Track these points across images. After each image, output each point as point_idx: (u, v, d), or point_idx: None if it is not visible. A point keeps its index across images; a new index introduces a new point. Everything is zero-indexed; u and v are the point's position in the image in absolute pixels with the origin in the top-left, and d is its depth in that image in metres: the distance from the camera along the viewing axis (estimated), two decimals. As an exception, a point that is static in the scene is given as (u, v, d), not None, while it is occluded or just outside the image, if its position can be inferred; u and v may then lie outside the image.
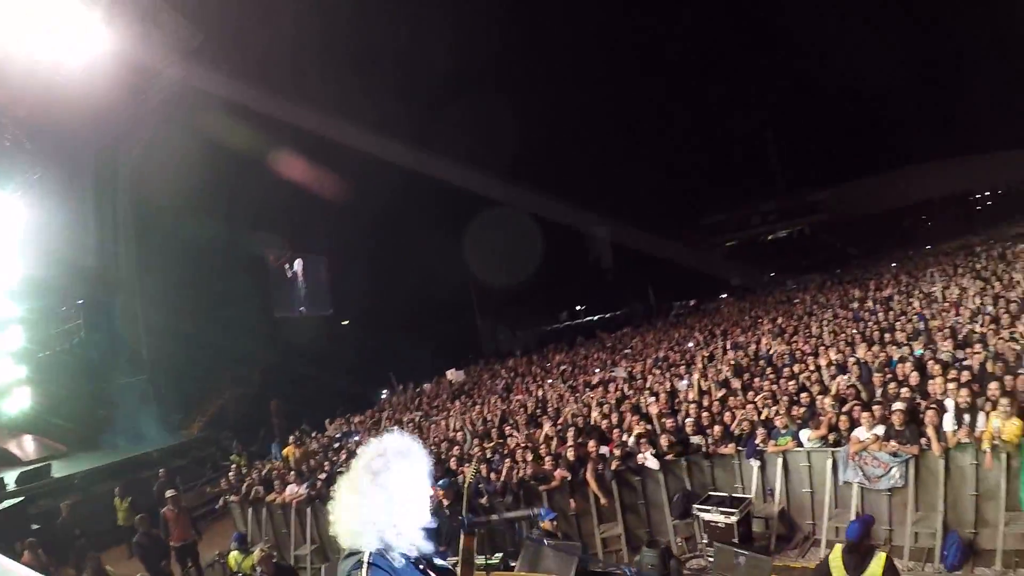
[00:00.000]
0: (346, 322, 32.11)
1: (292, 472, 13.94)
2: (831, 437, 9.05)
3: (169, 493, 12.58)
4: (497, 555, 6.69)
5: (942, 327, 12.03)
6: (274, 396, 21.60)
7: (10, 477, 15.74)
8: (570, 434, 11.80)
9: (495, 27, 29.53)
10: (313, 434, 18.58)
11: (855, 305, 17.49)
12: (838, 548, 5.88)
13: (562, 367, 20.84)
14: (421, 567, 2.26)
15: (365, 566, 2.07)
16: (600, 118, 37.39)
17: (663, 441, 10.67)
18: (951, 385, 8.30)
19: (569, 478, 10.68)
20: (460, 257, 36.00)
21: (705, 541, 9.23)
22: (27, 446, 18.71)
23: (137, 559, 11.83)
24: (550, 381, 19.18)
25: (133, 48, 16.84)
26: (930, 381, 9.00)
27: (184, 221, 21.41)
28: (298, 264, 30.80)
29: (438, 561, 2.37)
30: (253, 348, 23.62)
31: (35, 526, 13.99)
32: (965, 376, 8.48)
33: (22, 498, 14.99)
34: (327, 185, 26.40)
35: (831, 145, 37.56)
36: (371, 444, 2.31)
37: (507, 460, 11.56)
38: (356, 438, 16.59)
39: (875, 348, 12.04)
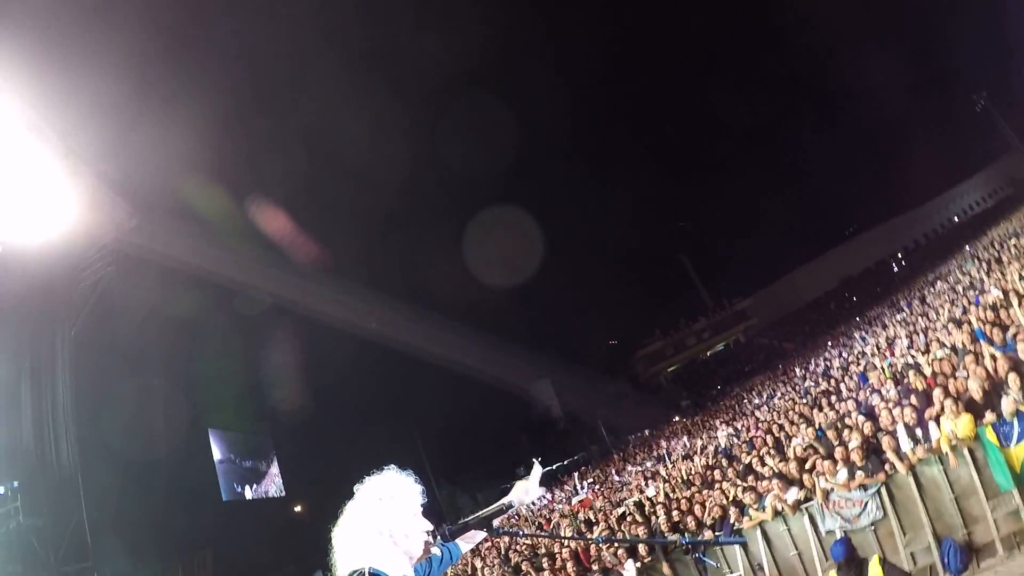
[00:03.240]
0: (299, 508, 30.56)
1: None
2: (801, 495, 8.89)
3: None
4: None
5: (880, 374, 12.28)
6: (230, 577, 20.05)
7: None
8: (545, 562, 11.40)
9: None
10: None
11: (799, 382, 17.86)
12: (832, 573, 5.70)
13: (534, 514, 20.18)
14: None
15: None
16: (525, 270, 38.51)
17: (641, 549, 10.39)
18: (896, 411, 8.42)
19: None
20: (410, 430, 35.69)
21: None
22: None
23: None
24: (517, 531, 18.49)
25: (72, 229, 17.05)
26: (879, 416, 9.10)
27: (125, 400, 20.75)
28: (243, 444, 29.70)
29: None
30: (204, 532, 22.13)
31: None
32: (907, 401, 8.64)
33: None
34: (272, 357, 26.51)
35: (744, 254, 39.71)
36: (376, 477, 2.53)
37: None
38: None
39: (825, 411, 12.16)
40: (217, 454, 28.06)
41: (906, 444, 7.93)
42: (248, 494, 29.08)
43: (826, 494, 8.25)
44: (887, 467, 7.76)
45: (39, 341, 19.76)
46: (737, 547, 9.38)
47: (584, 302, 41.06)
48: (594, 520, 14.28)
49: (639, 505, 13.14)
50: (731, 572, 9.42)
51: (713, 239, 41.32)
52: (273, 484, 30.73)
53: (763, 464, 11.09)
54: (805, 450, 10.38)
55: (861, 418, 9.79)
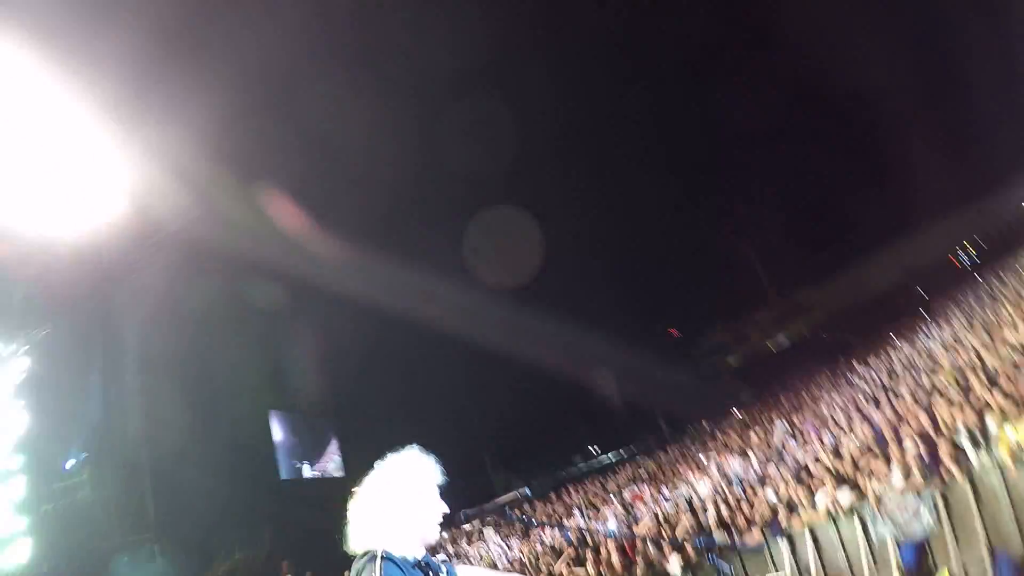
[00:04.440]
0: (356, 488, 31.10)
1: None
2: (854, 497, 8.61)
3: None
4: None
5: (943, 374, 11.78)
6: (285, 558, 20.52)
7: None
8: (589, 554, 11.39)
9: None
10: None
11: (860, 378, 17.38)
12: None
13: (584, 501, 20.16)
14: (431, 573, 2.46)
15: (378, 560, 2.26)
16: (585, 256, 38.27)
17: (687, 545, 10.32)
18: (957, 414, 8.05)
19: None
20: (472, 417, 36.05)
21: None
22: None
23: None
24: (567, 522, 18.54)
25: (141, 214, 17.86)
26: (940, 419, 8.72)
27: (192, 382, 21.68)
28: (300, 423, 30.61)
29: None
30: (262, 510, 22.85)
31: None
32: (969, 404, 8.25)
33: None
34: (334, 345, 27.20)
35: (809, 243, 38.53)
36: (397, 455, 2.62)
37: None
38: None
39: (884, 410, 11.75)
40: (278, 434, 28.86)
41: (969, 451, 7.58)
42: (307, 472, 29.86)
43: (879, 498, 7.95)
44: (944, 473, 7.42)
45: (110, 325, 20.72)
46: (784, 547, 9.17)
47: (647, 291, 40.47)
48: (643, 513, 14.17)
49: (688, 500, 12.98)
50: (777, 571, 9.21)
51: (777, 227, 39.93)
52: (332, 463, 31.40)
53: (817, 462, 10.80)
54: (861, 450, 10.06)
55: (921, 420, 9.41)
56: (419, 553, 2.43)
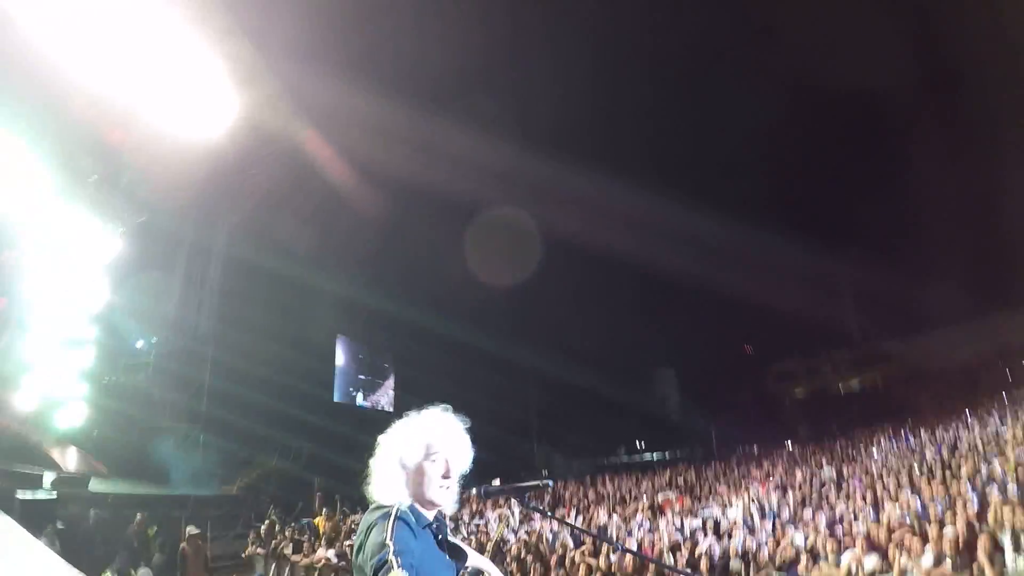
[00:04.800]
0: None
1: (323, 538, 13.82)
2: (879, 565, 8.47)
3: (191, 530, 12.66)
4: None
5: (1005, 465, 11.31)
6: (319, 475, 21.27)
7: (48, 479, 15.53)
8: (604, 548, 11.47)
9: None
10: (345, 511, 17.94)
11: (922, 445, 16.80)
12: None
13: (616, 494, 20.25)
14: (439, 538, 2.43)
15: (392, 519, 2.22)
16: (676, 261, 37.42)
17: (702, 565, 10.36)
18: (1007, 512, 7.79)
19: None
20: (528, 386, 36.37)
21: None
22: (70, 458, 18.51)
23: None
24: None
25: (257, 129, 18.68)
26: (988, 511, 8.46)
27: (268, 292, 22.60)
28: (363, 355, 31.93)
29: (451, 538, 2.55)
30: (308, 427, 23.64)
31: (60, 525, 13.80)
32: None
33: (55, 495, 14.87)
34: (411, 286, 27.65)
35: (907, 294, 36.67)
36: (429, 410, 2.61)
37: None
38: None
39: (934, 483, 11.40)
40: (340, 360, 29.94)
41: (1008, 553, 7.34)
42: (359, 400, 30.96)
43: (903, 573, 7.82)
44: (975, 568, 7.24)
45: (203, 226, 21.78)
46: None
47: (731, 303, 39.32)
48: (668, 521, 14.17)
49: (716, 521, 12.95)
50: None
51: (881, 270, 38.11)
52: (385, 397, 32.41)
53: (855, 519, 10.64)
54: (900, 521, 9.85)
55: (970, 506, 9.13)
56: (429, 515, 2.41)
